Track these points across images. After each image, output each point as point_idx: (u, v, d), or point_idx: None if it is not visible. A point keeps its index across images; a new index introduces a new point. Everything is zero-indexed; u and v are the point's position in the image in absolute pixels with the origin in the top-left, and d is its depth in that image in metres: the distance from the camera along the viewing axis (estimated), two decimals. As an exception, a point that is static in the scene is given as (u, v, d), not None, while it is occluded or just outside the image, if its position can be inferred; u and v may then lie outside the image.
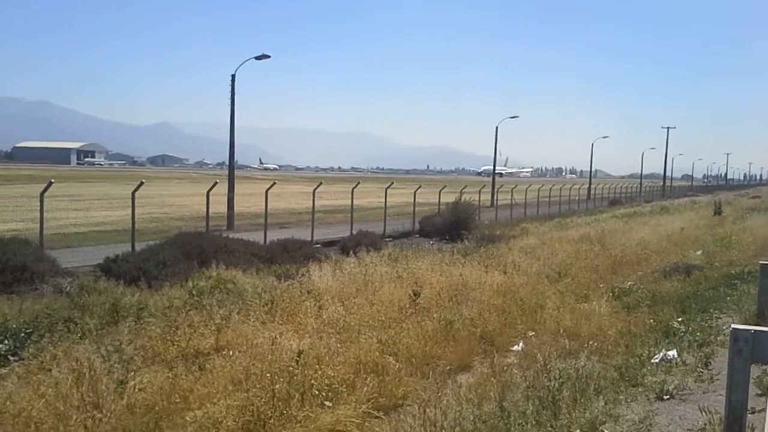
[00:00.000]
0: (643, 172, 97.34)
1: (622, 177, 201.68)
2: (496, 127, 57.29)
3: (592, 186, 69.89)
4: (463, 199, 32.42)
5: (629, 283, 14.56)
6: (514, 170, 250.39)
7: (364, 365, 8.01)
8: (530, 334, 10.60)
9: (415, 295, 11.57)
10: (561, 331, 10.14)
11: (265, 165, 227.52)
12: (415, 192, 32.03)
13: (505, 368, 8.37)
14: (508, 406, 6.52)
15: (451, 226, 29.24)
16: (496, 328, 10.62)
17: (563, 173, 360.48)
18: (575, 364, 7.99)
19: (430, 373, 8.27)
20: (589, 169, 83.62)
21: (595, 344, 9.28)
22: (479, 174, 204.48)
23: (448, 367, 8.69)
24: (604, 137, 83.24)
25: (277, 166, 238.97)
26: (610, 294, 13.31)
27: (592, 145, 77.86)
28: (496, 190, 47.81)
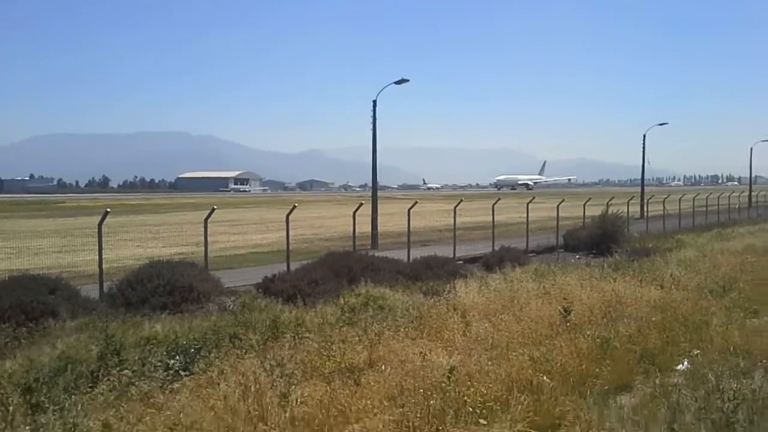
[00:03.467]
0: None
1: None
2: (644, 136, 54.30)
3: (754, 193, 64.09)
4: (610, 211, 31.04)
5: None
6: (544, 179, 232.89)
7: (517, 383, 7.87)
8: (695, 352, 9.92)
9: (565, 311, 11.24)
10: (731, 349, 9.39)
11: (428, 185, 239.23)
12: (558, 205, 31.12)
13: (670, 388, 7.89)
14: (678, 429, 6.13)
15: (599, 240, 28.09)
16: (657, 345, 10.07)
17: (719, 181, 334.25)
18: (750, 384, 7.37)
19: (588, 393, 7.96)
20: (748, 175, 76.88)
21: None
22: (496, 187, 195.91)
23: (606, 387, 8.32)
24: (764, 141, 76.10)
25: (439, 186, 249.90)
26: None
27: (751, 149, 71.50)
28: (646, 201, 45.27)
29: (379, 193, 35.82)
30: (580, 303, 12.52)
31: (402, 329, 10.71)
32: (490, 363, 8.64)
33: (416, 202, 25.84)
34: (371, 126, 32.46)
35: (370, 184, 36.12)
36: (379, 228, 30.92)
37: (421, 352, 9.10)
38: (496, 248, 24.80)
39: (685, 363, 9.44)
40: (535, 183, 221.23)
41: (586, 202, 34.06)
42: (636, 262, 20.20)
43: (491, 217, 27.99)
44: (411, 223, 24.56)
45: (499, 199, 30.65)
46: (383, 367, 8.63)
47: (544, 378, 8.08)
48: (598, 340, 9.77)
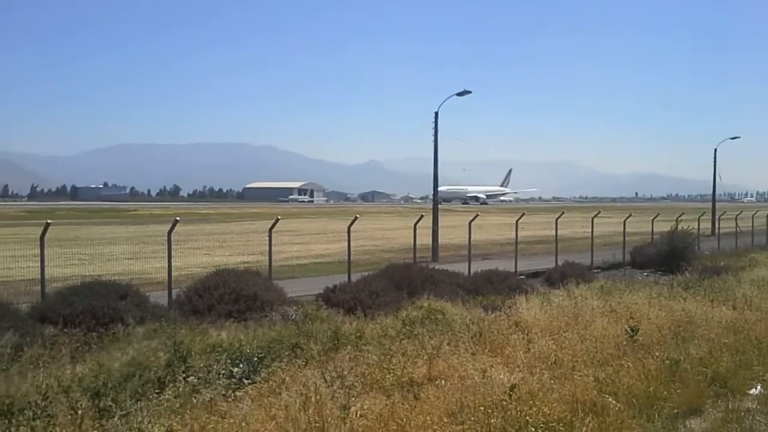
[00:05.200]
0: None
1: None
2: (715, 150, 52.41)
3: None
4: (679, 227, 30.03)
5: None
6: (508, 192, 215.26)
7: (581, 404, 7.67)
8: (770, 377, 9.46)
9: (632, 330, 10.91)
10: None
11: (501, 198, 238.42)
12: (624, 221, 30.31)
13: (743, 413, 7.54)
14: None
15: (667, 257, 27.20)
16: (729, 368, 9.65)
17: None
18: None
19: (656, 416, 7.69)
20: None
21: None
22: (465, 202, 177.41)
23: (675, 411, 8.02)
24: None
25: (512, 198, 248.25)
26: None
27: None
28: (717, 217, 43.58)
29: (440, 205, 35.75)
30: (648, 322, 12.14)
31: (462, 344, 10.61)
32: (552, 382, 8.46)
33: (477, 215, 25.64)
34: (433, 137, 32.52)
35: (431, 196, 36.12)
36: (440, 240, 30.85)
37: (481, 369, 8.98)
38: (560, 263, 24.34)
39: (759, 387, 9.03)
40: (490, 196, 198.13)
41: (655, 218, 33.07)
42: (707, 280, 19.46)
43: (554, 232, 27.49)
44: (472, 235, 24.39)
45: (563, 212, 30.08)
46: (443, 382, 8.56)
47: (610, 400, 7.86)
48: (667, 361, 9.44)
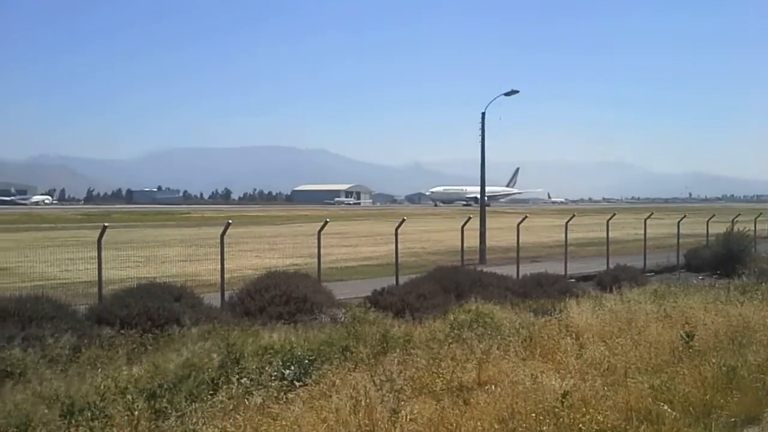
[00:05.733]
0: None
1: None
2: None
3: None
4: (735, 229, 29.11)
5: None
6: (514, 192, 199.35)
7: (636, 412, 7.52)
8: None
9: (688, 336, 10.64)
10: None
11: (552, 199, 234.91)
12: (678, 222, 29.54)
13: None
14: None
15: (723, 260, 26.48)
16: (789, 376, 9.29)
17: None
18: None
19: (713, 425, 7.49)
20: None
21: None
22: (467, 204, 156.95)
23: (732, 419, 7.80)
24: None
25: (564, 200, 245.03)
26: None
27: None
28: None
29: (488, 207, 35.49)
30: (704, 328, 11.82)
31: (512, 348, 10.53)
32: (606, 389, 8.32)
33: (526, 217, 25.39)
34: (480, 139, 32.33)
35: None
36: (487, 242, 30.65)
37: (532, 374, 8.91)
38: (611, 266, 23.89)
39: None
40: (491, 197, 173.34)
41: (710, 219, 32.13)
42: (765, 284, 18.82)
43: (605, 233, 27.01)
44: (520, 238, 24.17)
45: (614, 214, 29.52)
46: (493, 387, 8.51)
47: (666, 408, 7.68)
48: (724, 368, 9.17)
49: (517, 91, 31.94)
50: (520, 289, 18.69)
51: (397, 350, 10.49)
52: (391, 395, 8.00)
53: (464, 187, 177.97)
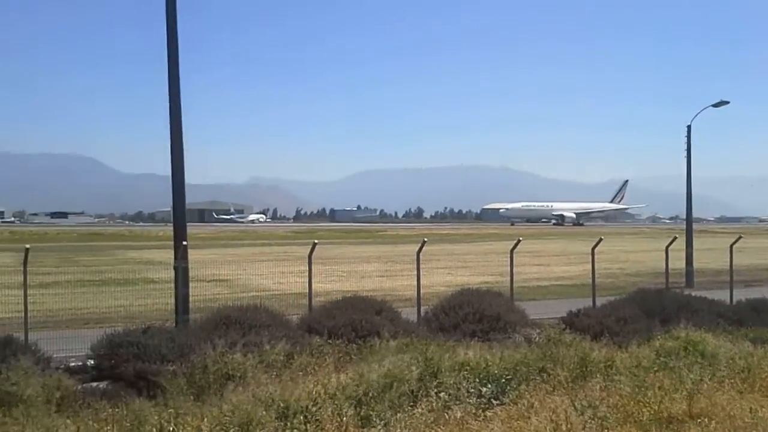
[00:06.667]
0: None
1: None
2: None
3: None
4: None
5: None
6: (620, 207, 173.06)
7: None
8: None
9: None
10: None
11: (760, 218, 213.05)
12: None
13: None
14: None
15: None
16: None
17: None
18: None
19: None
20: None
21: None
22: (557, 223, 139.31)
23: None
24: None
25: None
26: None
27: None
28: None
29: (694, 226, 32.88)
30: None
31: (727, 380, 9.71)
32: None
33: (740, 237, 23.14)
34: (686, 153, 30.16)
35: (681, 216, 33.41)
36: (695, 264, 28.35)
37: (751, 408, 8.16)
38: None
39: None
40: (581, 214, 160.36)
41: None
42: None
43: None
44: (733, 260, 22.07)
45: None
46: (706, 420, 7.93)
47: None
48: None
49: (726, 102, 29.70)
50: (734, 315, 17.05)
51: (598, 375, 10.14)
52: (593, 422, 7.78)
53: (550, 204, 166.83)
